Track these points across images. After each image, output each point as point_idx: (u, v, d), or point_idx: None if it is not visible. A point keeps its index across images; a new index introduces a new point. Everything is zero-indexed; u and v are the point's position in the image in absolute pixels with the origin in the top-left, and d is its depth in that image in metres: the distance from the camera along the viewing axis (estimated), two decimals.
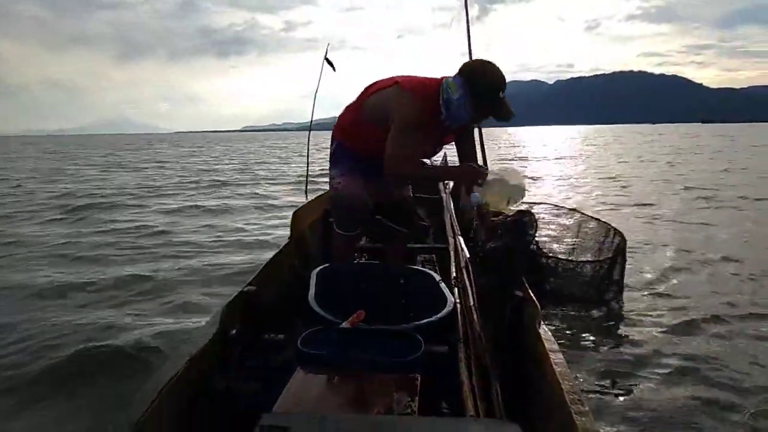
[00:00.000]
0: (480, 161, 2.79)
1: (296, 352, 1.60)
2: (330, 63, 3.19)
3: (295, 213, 2.82)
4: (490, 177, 2.22)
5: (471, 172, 2.26)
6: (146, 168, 20.10)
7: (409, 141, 2.20)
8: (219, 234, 6.67)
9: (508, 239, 2.14)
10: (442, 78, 2.29)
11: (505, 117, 2.25)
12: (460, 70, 2.24)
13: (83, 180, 14.85)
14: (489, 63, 2.23)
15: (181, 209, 8.73)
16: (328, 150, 2.56)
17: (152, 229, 6.89)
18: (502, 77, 2.19)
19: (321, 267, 2.39)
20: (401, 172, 2.29)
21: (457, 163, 2.56)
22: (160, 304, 3.82)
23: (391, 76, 2.37)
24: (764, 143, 32.01)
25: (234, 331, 1.69)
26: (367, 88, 2.40)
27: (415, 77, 2.34)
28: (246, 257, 5.22)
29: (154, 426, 1.18)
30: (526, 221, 2.12)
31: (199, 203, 9.49)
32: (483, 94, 2.17)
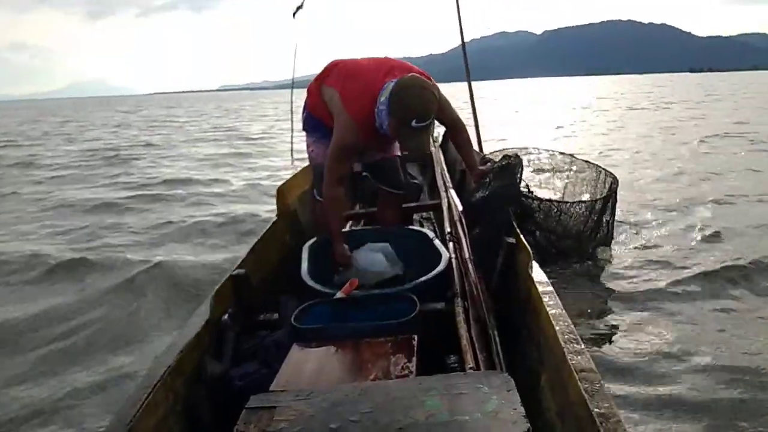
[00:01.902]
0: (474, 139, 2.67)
1: (291, 328, 1.58)
2: (299, 7, 3.09)
3: (279, 189, 2.77)
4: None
5: (342, 258, 2.18)
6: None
7: (334, 167, 2.16)
8: None
9: (496, 186, 2.09)
10: (387, 77, 2.14)
11: (409, 149, 2.17)
12: (395, 81, 2.07)
13: None
14: (415, 87, 2.01)
15: None
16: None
17: None
18: (421, 107, 1.97)
19: (312, 240, 2.36)
20: (323, 201, 2.27)
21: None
22: None
23: (333, 66, 2.30)
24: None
25: (226, 316, 1.67)
26: (319, 76, 2.33)
27: (358, 77, 2.18)
28: None
29: (152, 420, 1.17)
30: (512, 165, 2.06)
31: None
32: (394, 113, 2.00)
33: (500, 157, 2.26)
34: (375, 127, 2.10)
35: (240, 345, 1.63)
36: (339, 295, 1.78)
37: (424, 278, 1.85)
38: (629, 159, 7.96)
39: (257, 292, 1.97)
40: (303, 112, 2.44)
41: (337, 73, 2.25)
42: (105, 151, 12.25)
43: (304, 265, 2.08)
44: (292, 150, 3.78)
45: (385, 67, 2.17)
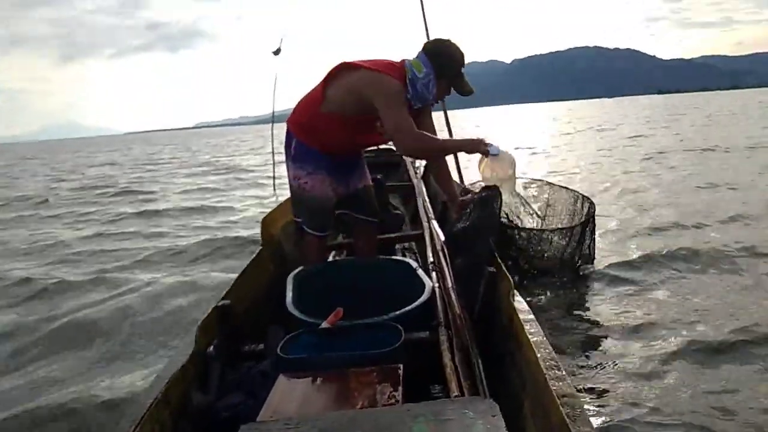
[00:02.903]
0: None
1: (276, 359, 1.59)
2: (278, 50, 3.17)
3: (263, 219, 2.79)
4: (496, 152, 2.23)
5: (477, 142, 2.26)
6: None
7: (405, 115, 2.19)
8: None
9: (476, 217, 2.15)
10: (403, 60, 2.31)
11: (467, 92, 2.33)
12: (424, 48, 2.30)
13: None
14: (449, 41, 2.31)
15: None
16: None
17: None
18: (462, 54, 2.30)
19: (297, 270, 2.37)
20: (415, 145, 2.24)
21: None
22: None
23: (344, 61, 2.33)
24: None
25: (211, 348, 1.67)
26: (325, 79, 2.35)
27: (377, 60, 2.32)
28: None
29: None
30: (491, 196, 2.12)
31: None
32: (446, 70, 2.25)
33: (480, 189, 2.32)
34: (407, 101, 2.25)
35: (226, 376, 1.63)
36: (324, 325, 1.80)
37: (408, 308, 1.88)
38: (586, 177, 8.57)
39: (242, 323, 1.98)
40: (289, 142, 2.45)
41: (352, 65, 2.30)
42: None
43: (289, 295, 2.09)
44: (274, 181, 3.84)
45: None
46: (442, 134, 2.59)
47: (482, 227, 2.07)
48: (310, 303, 2.11)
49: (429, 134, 2.30)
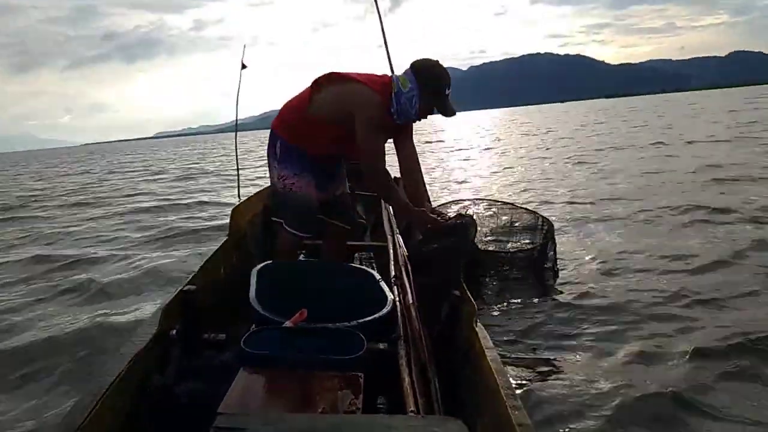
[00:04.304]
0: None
1: (239, 352, 1.60)
2: (243, 65, 3.22)
3: (234, 209, 2.78)
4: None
5: (428, 222, 2.30)
6: None
7: (380, 137, 2.26)
8: None
9: (450, 241, 2.21)
10: (391, 75, 2.37)
11: (450, 113, 2.36)
12: (411, 65, 2.34)
13: None
14: (437, 61, 2.36)
15: None
16: (266, 149, 2.53)
17: None
18: (448, 75, 2.34)
19: (262, 264, 2.37)
20: (377, 169, 2.30)
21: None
22: None
23: (334, 71, 2.38)
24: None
25: (174, 332, 1.67)
26: (312, 85, 2.38)
27: (366, 74, 2.37)
28: None
29: (96, 430, 1.16)
30: (467, 224, 2.20)
31: None
32: (431, 88, 2.28)
33: (456, 214, 2.40)
34: (388, 116, 2.30)
35: (185, 362, 1.62)
36: (287, 324, 1.82)
37: (371, 317, 1.92)
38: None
39: (204, 310, 1.97)
40: (274, 142, 2.46)
41: (341, 75, 2.35)
42: None
43: (253, 290, 2.09)
44: (239, 188, 3.87)
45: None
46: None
47: (456, 251, 2.14)
48: (272, 298, 2.12)
49: (388, 177, 2.34)
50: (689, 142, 13.71)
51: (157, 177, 17.63)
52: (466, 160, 14.81)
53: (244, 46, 3.19)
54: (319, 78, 2.37)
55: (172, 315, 1.72)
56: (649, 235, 5.06)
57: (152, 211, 9.00)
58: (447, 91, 2.32)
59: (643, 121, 26.93)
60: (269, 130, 2.51)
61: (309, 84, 2.43)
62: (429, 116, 2.37)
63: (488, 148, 18.89)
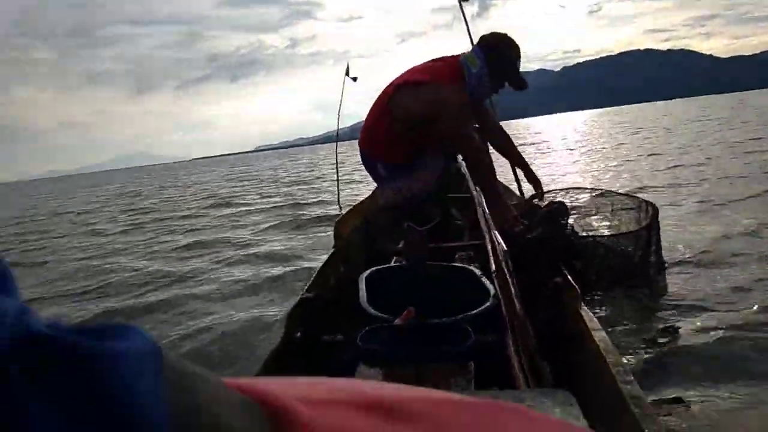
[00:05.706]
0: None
1: (357, 349, 1.74)
2: (351, 77, 3.35)
3: (337, 222, 2.96)
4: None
5: (507, 219, 2.30)
6: None
7: (465, 116, 2.29)
8: None
9: (543, 230, 2.23)
10: (459, 56, 2.36)
11: (521, 86, 2.35)
12: (479, 42, 2.35)
13: None
14: (505, 34, 2.32)
15: None
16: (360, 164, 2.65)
17: None
18: (518, 47, 2.31)
19: (368, 271, 2.52)
20: (471, 135, 2.33)
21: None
22: None
23: (401, 81, 2.42)
24: None
25: (298, 334, 1.84)
26: (385, 98, 2.45)
27: (433, 66, 2.38)
28: None
29: None
30: (559, 210, 2.21)
31: None
32: (500, 63, 2.28)
33: (548, 202, 2.41)
34: (466, 95, 2.31)
35: (310, 363, 1.79)
36: (397, 321, 1.93)
37: (476, 311, 1.99)
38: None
39: (321, 315, 2.14)
40: (376, 166, 2.55)
41: (408, 83, 2.39)
42: None
43: (363, 294, 2.23)
44: (339, 199, 4.04)
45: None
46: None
47: (550, 240, 2.16)
48: (380, 302, 2.25)
49: (487, 155, 2.36)
50: None
51: (284, 182, 18.60)
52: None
53: (348, 64, 3.37)
54: (389, 90, 2.41)
55: (295, 320, 1.89)
56: None
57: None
58: (517, 64, 2.28)
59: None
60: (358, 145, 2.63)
61: (379, 97, 2.48)
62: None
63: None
